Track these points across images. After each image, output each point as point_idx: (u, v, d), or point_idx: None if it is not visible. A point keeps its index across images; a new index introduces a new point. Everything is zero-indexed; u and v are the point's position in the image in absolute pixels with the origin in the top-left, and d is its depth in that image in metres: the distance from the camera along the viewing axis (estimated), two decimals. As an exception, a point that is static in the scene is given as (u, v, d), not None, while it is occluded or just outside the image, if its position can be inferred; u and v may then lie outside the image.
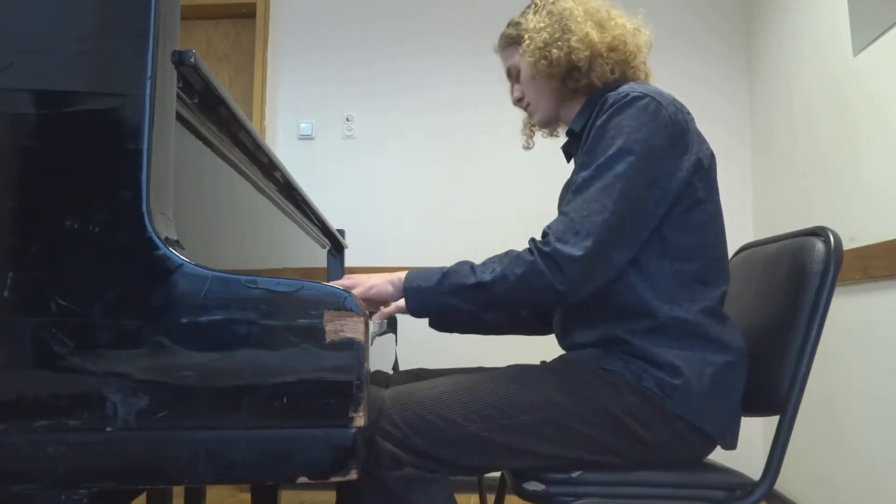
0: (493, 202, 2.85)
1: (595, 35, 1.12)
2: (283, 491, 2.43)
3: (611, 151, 1.00)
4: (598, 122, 1.04)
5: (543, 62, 1.14)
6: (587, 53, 1.11)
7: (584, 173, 1.02)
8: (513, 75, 1.26)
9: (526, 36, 1.17)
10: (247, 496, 2.36)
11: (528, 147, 1.40)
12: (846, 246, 1.10)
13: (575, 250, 0.96)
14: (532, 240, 1.01)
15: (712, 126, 2.84)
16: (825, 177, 2.17)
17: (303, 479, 0.73)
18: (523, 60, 1.19)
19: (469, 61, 2.89)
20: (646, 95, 1.03)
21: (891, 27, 1.79)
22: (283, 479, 0.73)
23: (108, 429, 0.71)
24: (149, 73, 0.76)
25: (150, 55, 0.76)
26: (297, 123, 2.98)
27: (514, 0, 1.30)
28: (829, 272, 1.03)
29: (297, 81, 3.00)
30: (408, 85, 2.94)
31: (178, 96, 0.83)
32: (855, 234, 1.91)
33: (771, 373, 1.05)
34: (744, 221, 2.78)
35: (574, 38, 1.11)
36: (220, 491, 2.57)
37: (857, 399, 1.95)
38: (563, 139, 1.27)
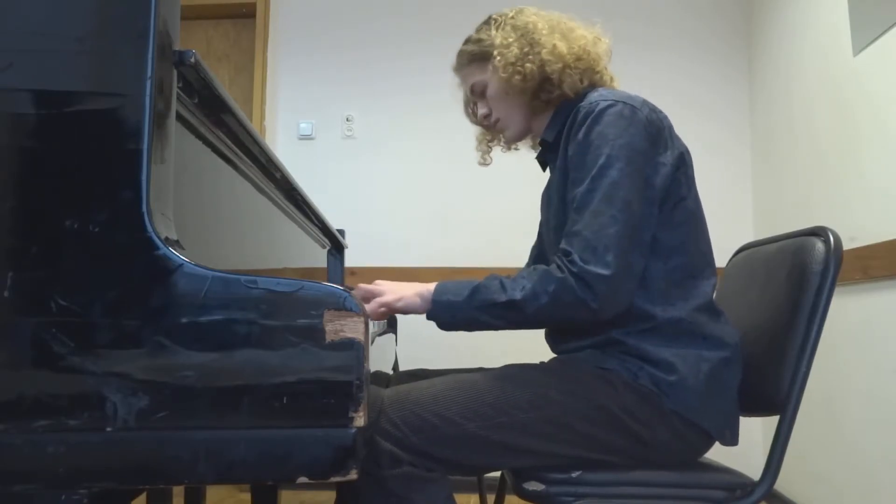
0: (492, 202, 2.85)
1: (563, 46, 1.13)
2: (283, 491, 2.43)
3: (601, 161, 1.01)
4: (580, 136, 1.05)
5: (517, 77, 1.13)
6: (559, 65, 1.12)
7: (581, 188, 1.02)
8: (476, 93, 1.24)
9: (495, 52, 1.16)
10: (247, 496, 2.36)
11: (485, 163, 1.42)
12: (846, 246, 1.10)
13: (601, 269, 0.96)
14: (558, 257, 1.01)
15: (712, 126, 2.87)
16: (825, 177, 2.17)
17: (303, 479, 0.73)
18: (494, 76, 1.17)
19: (469, 61, 2.89)
20: (617, 101, 1.04)
21: (891, 27, 1.79)
22: (283, 479, 0.73)
23: (108, 429, 0.71)
24: (149, 73, 0.76)
25: (150, 55, 0.76)
26: (297, 123, 2.98)
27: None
28: (829, 272, 1.03)
29: (297, 81, 3.00)
30: (408, 85, 2.94)
31: (178, 96, 0.83)
32: (855, 234, 1.91)
33: (771, 373, 1.05)
34: (744, 221, 2.78)
35: (544, 50, 1.12)
36: (220, 491, 2.58)
37: (857, 399, 1.95)
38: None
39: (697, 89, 2.80)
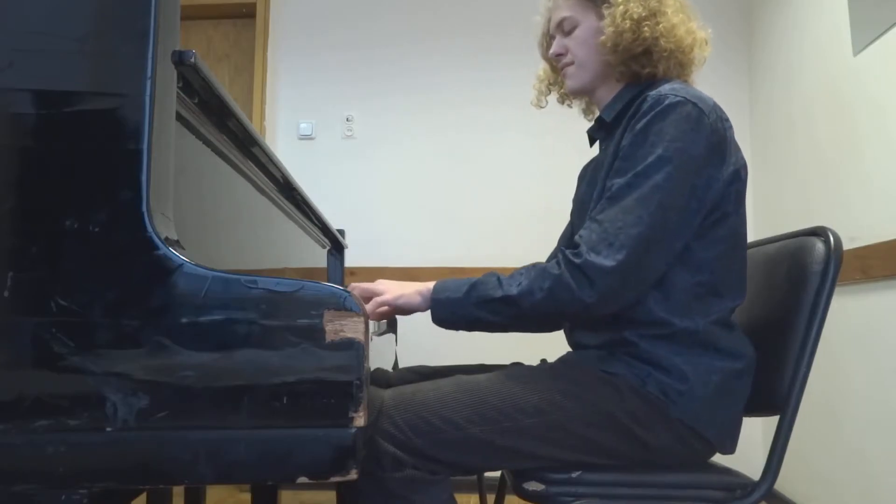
0: (493, 202, 2.85)
1: (682, 31, 1.08)
2: (283, 491, 2.43)
3: (650, 159, 0.97)
4: (638, 127, 1.00)
5: (629, 35, 1.06)
6: (670, 47, 1.07)
7: (620, 180, 0.99)
8: (563, 28, 1.16)
9: (620, 1, 1.08)
10: (247, 496, 2.36)
11: (539, 105, 1.30)
12: (846, 246, 1.10)
13: (607, 262, 0.94)
14: (562, 250, 0.99)
15: (712, 126, 2.86)
16: (825, 177, 2.17)
17: (303, 479, 0.73)
18: (601, 22, 1.10)
19: (469, 61, 2.89)
20: (687, 101, 0.99)
21: (891, 27, 1.79)
22: (283, 480, 0.73)
23: (108, 429, 0.71)
24: (149, 73, 0.76)
25: (150, 55, 0.76)
26: (297, 123, 2.98)
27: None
28: (829, 272, 1.03)
29: (297, 81, 3.00)
30: (408, 85, 2.94)
31: (178, 96, 0.83)
32: (855, 234, 1.91)
33: (771, 373, 1.05)
34: (744, 221, 2.77)
35: (664, 25, 1.07)
36: (220, 491, 2.58)
37: (857, 399, 1.95)
38: (575, 111, 1.24)
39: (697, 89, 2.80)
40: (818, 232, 1.08)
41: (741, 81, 2.84)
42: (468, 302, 1.01)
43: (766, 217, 2.68)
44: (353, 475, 0.73)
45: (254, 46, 2.99)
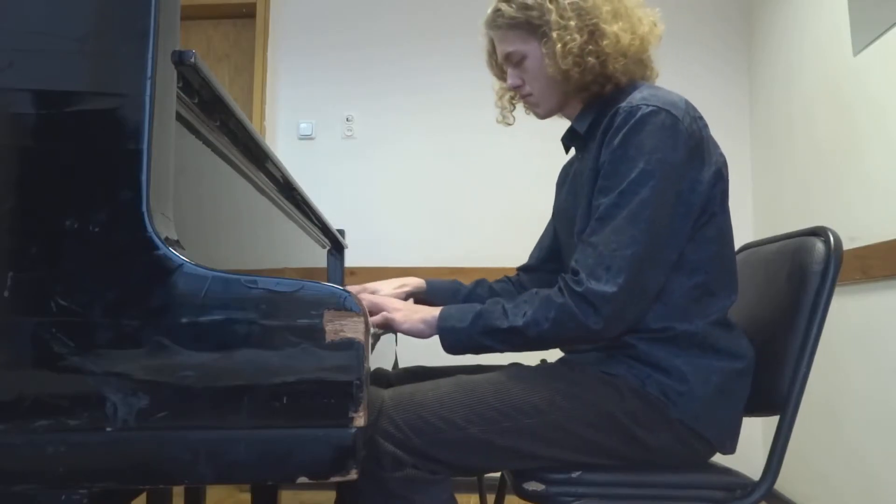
0: (493, 202, 2.85)
1: (626, 38, 1.04)
2: (283, 491, 2.43)
3: (633, 175, 0.96)
4: (615, 142, 0.99)
5: (577, 69, 1.04)
6: (621, 63, 1.05)
7: (607, 200, 0.98)
8: (512, 62, 1.13)
9: (554, 33, 1.04)
10: (247, 496, 2.36)
11: (506, 122, 1.28)
12: (846, 246, 1.10)
13: (608, 288, 0.94)
14: (562, 278, 0.99)
15: (712, 126, 2.85)
16: (825, 177, 2.17)
17: (303, 479, 0.73)
18: (546, 59, 1.07)
19: (469, 61, 2.88)
20: (661, 109, 0.98)
21: (891, 27, 1.79)
22: (283, 480, 0.73)
23: (108, 429, 0.71)
24: (149, 73, 0.76)
25: (150, 55, 0.76)
26: (297, 123, 2.98)
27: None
28: (829, 272, 1.03)
29: (297, 81, 3.00)
30: (408, 85, 2.94)
31: (178, 96, 0.83)
32: (855, 234, 1.91)
33: (771, 373, 1.05)
34: (744, 221, 2.78)
35: (607, 42, 1.03)
36: (220, 491, 2.58)
37: (857, 399, 1.95)
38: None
39: (697, 90, 2.78)
40: (818, 232, 1.08)
41: (741, 81, 2.84)
42: (474, 331, 1.00)
43: (766, 217, 2.68)
44: (354, 475, 0.73)
45: (254, 46, 2.99)
